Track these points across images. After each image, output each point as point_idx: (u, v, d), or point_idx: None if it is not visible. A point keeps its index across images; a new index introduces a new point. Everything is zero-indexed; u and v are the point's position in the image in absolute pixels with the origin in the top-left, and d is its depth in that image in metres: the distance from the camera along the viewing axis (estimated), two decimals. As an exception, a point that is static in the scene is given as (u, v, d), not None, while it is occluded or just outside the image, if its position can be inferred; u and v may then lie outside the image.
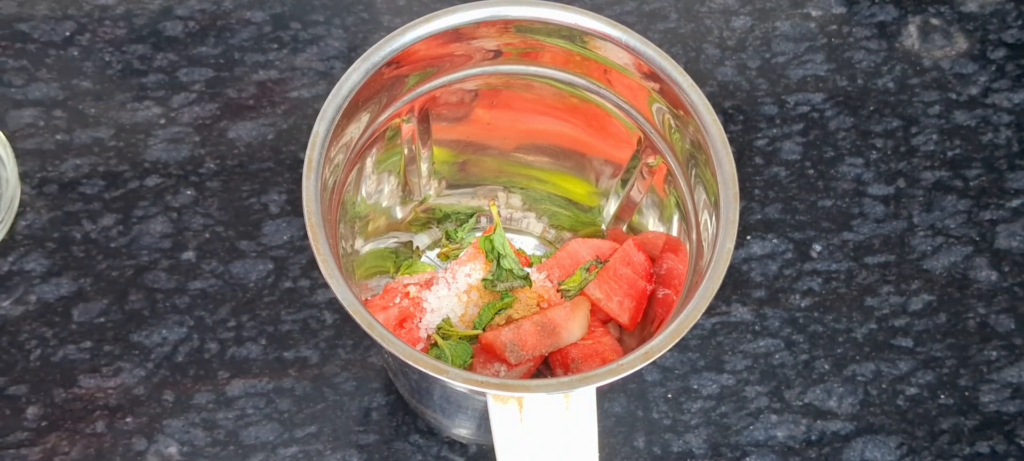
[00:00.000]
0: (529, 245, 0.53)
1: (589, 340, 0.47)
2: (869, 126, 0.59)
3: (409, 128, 0.46)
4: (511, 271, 0.48)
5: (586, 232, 0.51)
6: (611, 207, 0.50)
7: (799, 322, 0.54)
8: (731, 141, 0.42)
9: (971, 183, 0.58)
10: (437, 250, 0.52)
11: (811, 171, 0.58)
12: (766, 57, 0.61)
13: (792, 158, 0.58)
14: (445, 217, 0.52)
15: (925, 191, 0.58)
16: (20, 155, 0.56)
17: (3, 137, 0.54)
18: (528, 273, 0.48)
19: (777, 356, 0.53)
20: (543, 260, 0.50)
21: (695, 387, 0.52)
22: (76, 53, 0.59)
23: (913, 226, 0.57)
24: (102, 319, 0.52)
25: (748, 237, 0.56)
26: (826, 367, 0.53)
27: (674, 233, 0.46)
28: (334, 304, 0.53)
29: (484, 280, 0.48)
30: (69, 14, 0.60)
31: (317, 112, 0.41)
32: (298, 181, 0.56)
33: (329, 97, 0.41)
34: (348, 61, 0.59)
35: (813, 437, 0.51)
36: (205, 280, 0.53)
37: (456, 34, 0.43)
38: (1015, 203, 0.58)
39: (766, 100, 0.60)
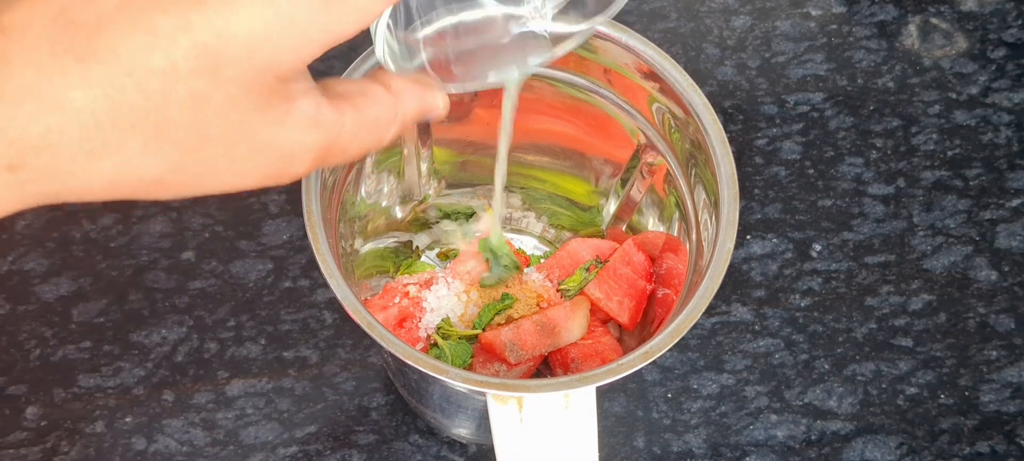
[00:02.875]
0: (529, 245, 0.53)
1: (589, 340, 0.47)
2: (869, 126, 0.59)
3: (409, 128, 0.46)
4: (500, 258, 0.48)
5: (586, 232, 0.51)
6: (611, 207, 0.50)
7: (799, 322, 0.54)
8: (731, 141, 0.42)
9: (971, 183, 0.58)
10: (437, 250, 0.52)
11: (811, 171, 0.58)
12: (766, 57, 0.61)
13: (792, 158, 0.58)
14: (445, 217, 0.52)
15: (925, 191, 0.58)
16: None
17: None
18: (514, 258, 0.48)
19: (777, 356, 0.53)
20: (543, 260, 0.50)
21: (695, 387, 0.52)
22: (76, 53, 0.59)
23: (913, 226, 0.57)
24: (101, 319, 0.52)
25: (748, 237, 0.56)
26: (826, 367, 0.53)
27: (674, 233, 0.46)
28: (334, 304, 0.53)
29: (481, 282, 0.48)
30: (69, 14, 0.60)
31: (317, 112, 0.40)
32: (298, 181, 0.56)
33: (329, 97, 0.41)
34: (348, 60, 0.59)
35: (813, 437, 0.51)
36: (205, 280, 0.53)
37: (456, 34, 0.43)
38: (1015, 203, 0.58)
39: (766, 100, 0.60)
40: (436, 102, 0.36)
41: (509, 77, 0.38)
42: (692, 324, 0.38)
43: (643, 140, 0.45)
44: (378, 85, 0.34)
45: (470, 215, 0.52)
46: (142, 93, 0.27)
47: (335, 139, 0.31)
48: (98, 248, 0.54)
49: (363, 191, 0.46)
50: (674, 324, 0.38)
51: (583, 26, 0.36)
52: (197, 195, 0.30)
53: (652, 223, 0.48)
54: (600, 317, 0.48)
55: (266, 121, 0.29)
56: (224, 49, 0.28)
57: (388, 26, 0.36)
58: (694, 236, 0.43)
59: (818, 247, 0.56)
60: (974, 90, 0.61)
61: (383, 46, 0.36)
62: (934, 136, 0.59)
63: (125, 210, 0.55)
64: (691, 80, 0.42)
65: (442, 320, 0.47)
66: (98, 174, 0.28)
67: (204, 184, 0.30)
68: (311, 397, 0.51)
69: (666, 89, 0.43)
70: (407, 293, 0.47)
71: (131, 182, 0.29)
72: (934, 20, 0.63)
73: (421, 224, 0.52)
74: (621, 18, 0.52)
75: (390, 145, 0.46)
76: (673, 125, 0.43)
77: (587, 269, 0.48)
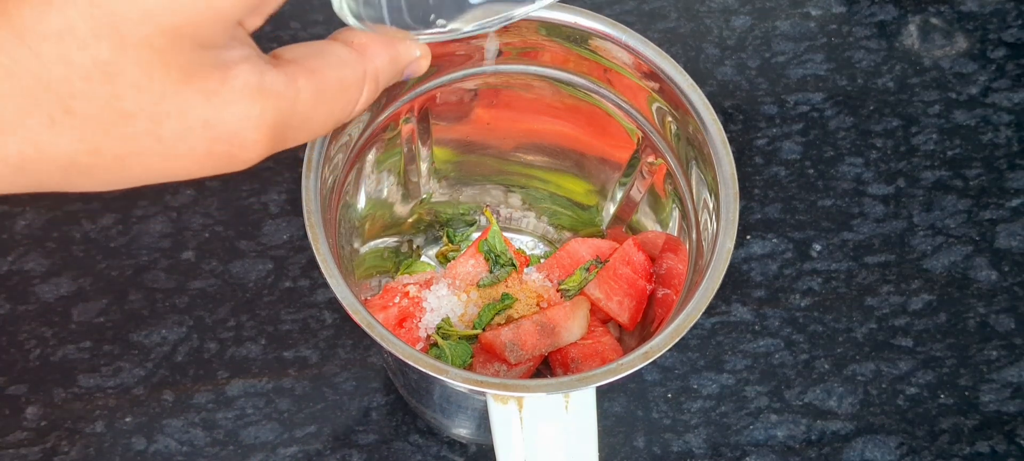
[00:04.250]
0: (529, 245, 0.53)
1: (589, 340, 0.47)
2: (869, 126, 0.59)
3: (409, 128, 0.46)
4: (499, 257, 0.48)
5: (586, 232, 0.51)
6: (611, 207, 0.50)
7: (799, 322, 0.54)
8: (731, 141, 0.42)
9: (971, 183, 0.58)
10: (436, 249, 0.52)
11: (811, 171, 0.58)
12: (766, 57, 0.61)
13: (792, 158, 0.58)
14: (446, 218, 0.52)
15: (925, 191, 0.58)
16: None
17: None
18: (511, 257, 0.48)
19: (777, 356, 0.53)
20: (543, 260, 0.50)
21: (695, 387, 0.52)
22: (76, 53, 0.59)
23: (913, 226, 0.57)
24: (101, 319, 0.52)
25: (748, 237, 0.56)
26: (826, 367, 0.53)
27: (674, 233, 0.46)
28: (334, 304, 0.53)
29: (479, 283, 0.48)
30: (69, 14, 0.60)
31: (317, 112, 0.40)
32: (298, 181, 0.56)
33: (329, 97, 0.41)
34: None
35: (813, 437, 0.51)
36: (205, 280, 0.53)
37: (456, 33, 0.43)
38: (1015, 203, 0.58)
39: (766, 100, 0.60)
40: (411, 53, 0.31)
41: (494, 20, 0.33)
42: (692, 324, 0.38)
43: (643, 140, 0.46)
44: (337, 43, 0.30)
45: (470, 214, 0.52)
46: (39, 61, 0.25)
47: (290, 109, 0.28)
48: (98, 248, 0.54)
49: (363, 191, 0.46)
50: (674, 324, 0.38)
51: None
52: (129, 186, 0.27)
53: (652, 223, 0.48)
54: (600, 317, 0.48)
55: (196, 94, 0.26)
56: (123, 10, 0.24)
57: None
58: (694, 236, 0.43)
59: (818, 247, 0.56)
60: (974, 90, 0.61)
61: None
62: (934, 136, 0.59)
63: (125, 210, 0.55)
64: (691, 80, 0.42)
65: (442, 320, 0.47)
66: (1, 155, 0.26)
67: (130, 169, 0.27)
68: (311, 397, 0.51)
69: (666, 89, 0.43)
70: (407, 293, 0.47)
71: (42, 165, 0.26)
72: (934, 20, 0.63)
73: (422, 225, 0.52)
74: (621, 18, 0.52)
75: (390, 145, 0.46)
76: (673, 125, 0.43)
77: (587, 269, 0.48)
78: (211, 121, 0.26)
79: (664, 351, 0.37)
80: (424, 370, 0.36)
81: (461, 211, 0.52)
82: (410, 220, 0.51)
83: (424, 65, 0.32)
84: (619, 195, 0.49)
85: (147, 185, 0.28)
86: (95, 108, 0.25)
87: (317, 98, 0.29)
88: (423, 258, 0.52)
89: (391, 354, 0.37)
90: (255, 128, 0.27)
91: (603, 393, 0.49)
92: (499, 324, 0.47)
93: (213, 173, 0.28)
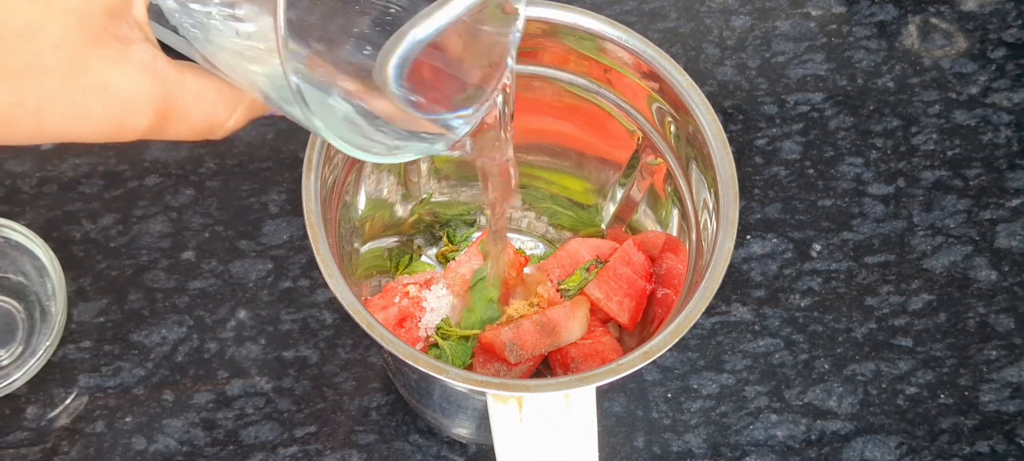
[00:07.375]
0: (529, 245, 0.53)
1: (589, 340, 0.47)
2: (869, 126, 0.59)
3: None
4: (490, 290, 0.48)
5: (586, 232, 0.51)
6: (611, 207, 0.50)
7: (799, 322, 0.54)
8: (731, 141, 0.42)
9: (971, 183, 0.58)
10: (436, 250, 0.52)
11: (811, 171, 0.58)
12: (766, 57, 0.61)
13: (792, 158, 0.58)
14: (446, 218, 0.52)
15: (925, 191, 0.58)
16: (18, 154, 0.56)
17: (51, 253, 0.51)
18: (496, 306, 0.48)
19: (777, 356, 0.53)
20: (543, 260, 0.50)
21: (695, 387, 0.52)
22: (76, 53, 0.59)
23: (913, 226, 0.57)
24: (102, 319, 0.52)
25: (748, 237, 0.56)
26: (826, 367, 0.53)
27: (674, 233, 0.45)
28: (334, 304, 0.53)
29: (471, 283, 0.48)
30: (69, 14, 0.60)
31: (317, 112, 0.40)
32: (298, 181, 0.56)
33: (329, 97, 0.41)
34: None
35: (813, 437, 0.51)
36: (205, 280, 0.53)
37: (456, 34, 0.43)
38: (1015, 203, 0.58)
39: (766, 100, 0.60)
40: None
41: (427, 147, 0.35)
42: (692, 324, 0.38)
43: (643, 140, 0.46)
44: None
45: (470, 214, 0.52)
46: None
47: (176, 95, 0.31)
48: (98, 248, 0.54)
49: (363, 191, 0.46)
50: (674, 324, 0.38)
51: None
52: (41, 142, 0.30)
53: (652, 223, 0.48)
54: (600, 317, 0.48)
55: (99, 58, 0.30)
56: None
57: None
58: (694, 236, 0.43)
59: (818, 247, 0.56)
60: (974, 90, 0.61)
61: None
62: (934, 136, 0.59)
63: (125, 210, 0.55)
64: (691, 80, 0.42)
65: (442, 320, 0.47)
66: None
67: (44, 124, 0.30)
68: (311, 397, 0.51)
69: (666, 89, 0.43)
70: (407, 293, 0.47)
71: None
72: (934, 20, 0.63)
73: (422, 225, 0.52)
74: (621, 18, 0.52)
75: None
76: (673, 125, 0.43)
77: (587, 269, 0.48)
78: (109, 85, 0.30)
79: (664, 351, 0.37)
80: (424, 370, 0.36)
81: (461, 211, 0.52)
82: (410, 220, 0.51)
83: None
84: (619, 195, 0.49)
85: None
86: (22, 63, 0.29)
87: (200, 94, 0.32)
88: (423, 258, 0.52)
89: (391, 354, 0.37)
90: (145, 102, 0.30)
91: (603, 393, 0.49)
92: (499, 324, 0.47)
93: (107, 139, 0.31)
